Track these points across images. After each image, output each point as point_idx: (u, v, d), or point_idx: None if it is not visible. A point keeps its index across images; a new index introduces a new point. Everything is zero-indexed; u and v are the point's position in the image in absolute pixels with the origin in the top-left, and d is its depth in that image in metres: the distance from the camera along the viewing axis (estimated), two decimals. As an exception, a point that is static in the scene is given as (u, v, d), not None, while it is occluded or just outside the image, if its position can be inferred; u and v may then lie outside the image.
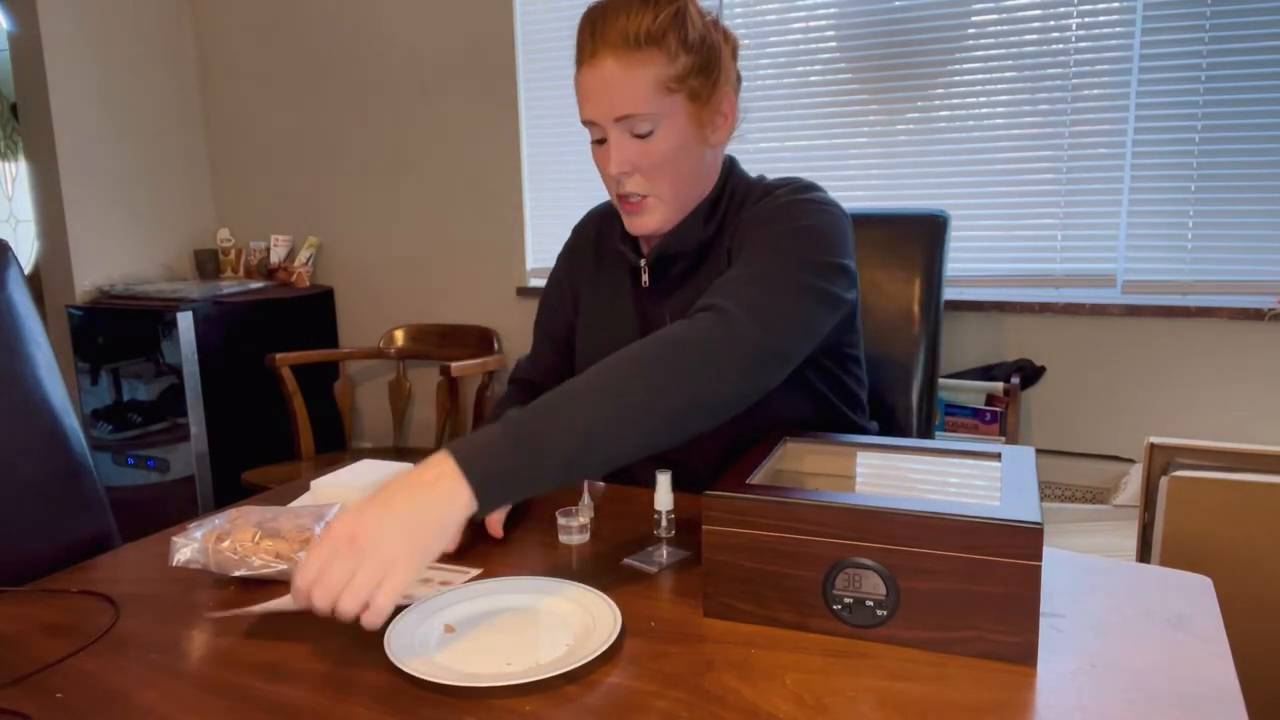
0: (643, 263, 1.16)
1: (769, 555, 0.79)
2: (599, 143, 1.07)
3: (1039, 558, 0.71)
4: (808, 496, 0.78)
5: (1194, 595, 0.85)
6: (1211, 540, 1.30)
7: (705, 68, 1.05)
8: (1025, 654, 0.73)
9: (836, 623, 0.78)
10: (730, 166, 1.16)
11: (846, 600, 0.77)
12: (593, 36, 1.03)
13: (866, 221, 1.40)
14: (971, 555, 0.72)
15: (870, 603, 0.76)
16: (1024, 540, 0.71)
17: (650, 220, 1.09)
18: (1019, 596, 0.72)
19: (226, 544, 0.92)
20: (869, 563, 0.75)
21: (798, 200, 1.06)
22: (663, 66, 1.02)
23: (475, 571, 0.94)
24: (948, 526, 0.73)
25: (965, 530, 0.72)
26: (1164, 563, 1.32)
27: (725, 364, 0.89)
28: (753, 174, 1.18)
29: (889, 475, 0.94)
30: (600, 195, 2.84)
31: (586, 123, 1.06)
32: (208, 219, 3.49)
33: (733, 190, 1.14)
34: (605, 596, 0.83)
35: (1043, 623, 0.80)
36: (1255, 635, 1.27)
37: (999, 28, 2.32)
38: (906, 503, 0.76)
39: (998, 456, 0.91)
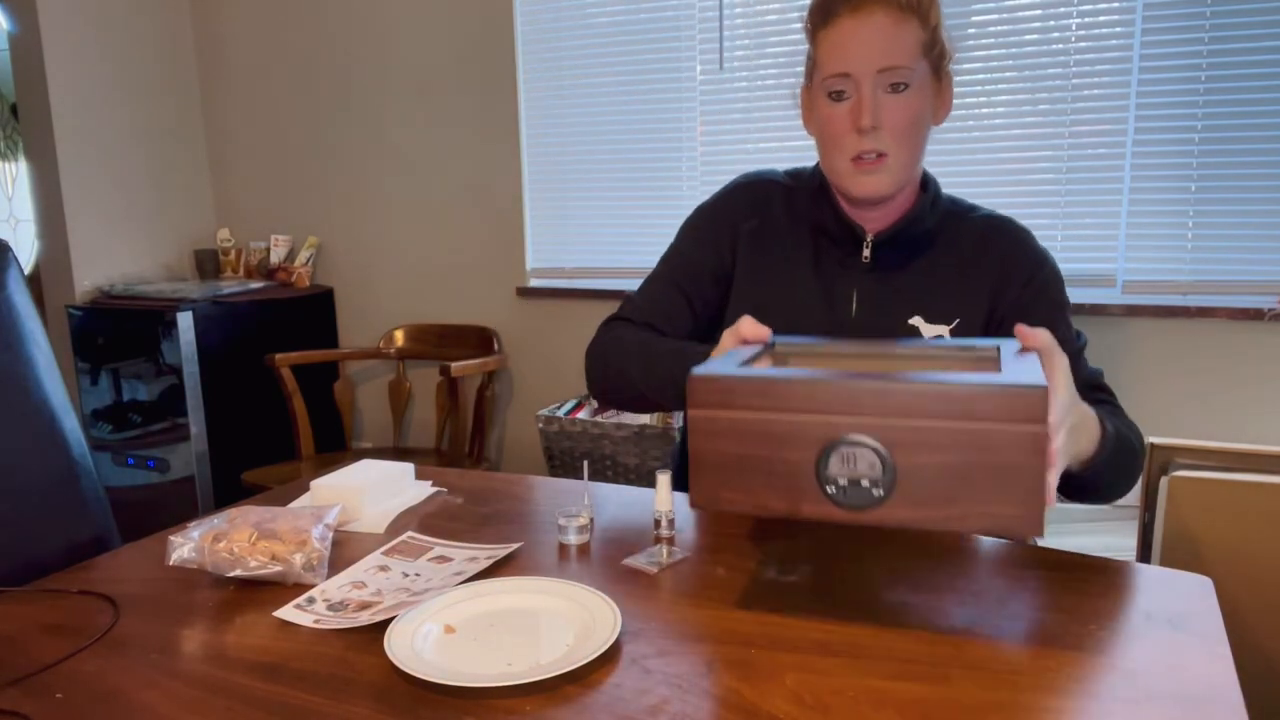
0: (869, 238, 1.18)
1: (758, 439, 0.74)
2: (837, 98, 1.08)
3: (1043, 421, 0.67)
4: (798, 374, 0.74)
5: (1194, 595, 0.85)
6: (1211, 540, 1.30)
7: (942, 50, 1.11)
8: (1030, 527, 0.69)
9: (830, 506, 0.74)
10: (933, 185, 1.22)
11: (840, 482, 0.73)
12: None
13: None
14: (973, 424, 0.69)
15: (866, 483, 0.72)
16: (1027, 405, 0.67)
17: (884, 181, 1.11)
18: (1023, 467, 0.68)
19: (223, 544, 0.92)
20: (864, 440, 0.71)
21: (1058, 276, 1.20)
22: (921, 31, 1.07)
23: (506, 550, 0.94)
24: (948, 396, 0.69)
25: (966, 398, 0.68)
26: (1164, 563, 1.32)
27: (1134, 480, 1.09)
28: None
29: (882, 367, 0.93)
30: (605, 195, 2.85)
31: (835, 76, 1.07)
32: (208, 219, 3.49)
33: (937, 193, 1.22)
34: (605, 596, 0.83)
35: (1043, 623, 0.80)
36: (1255, 635, 1.27)
37: (999, 28, 2.32)
38: (903, 375, 0.72)
39: (996, 350, 0.88)
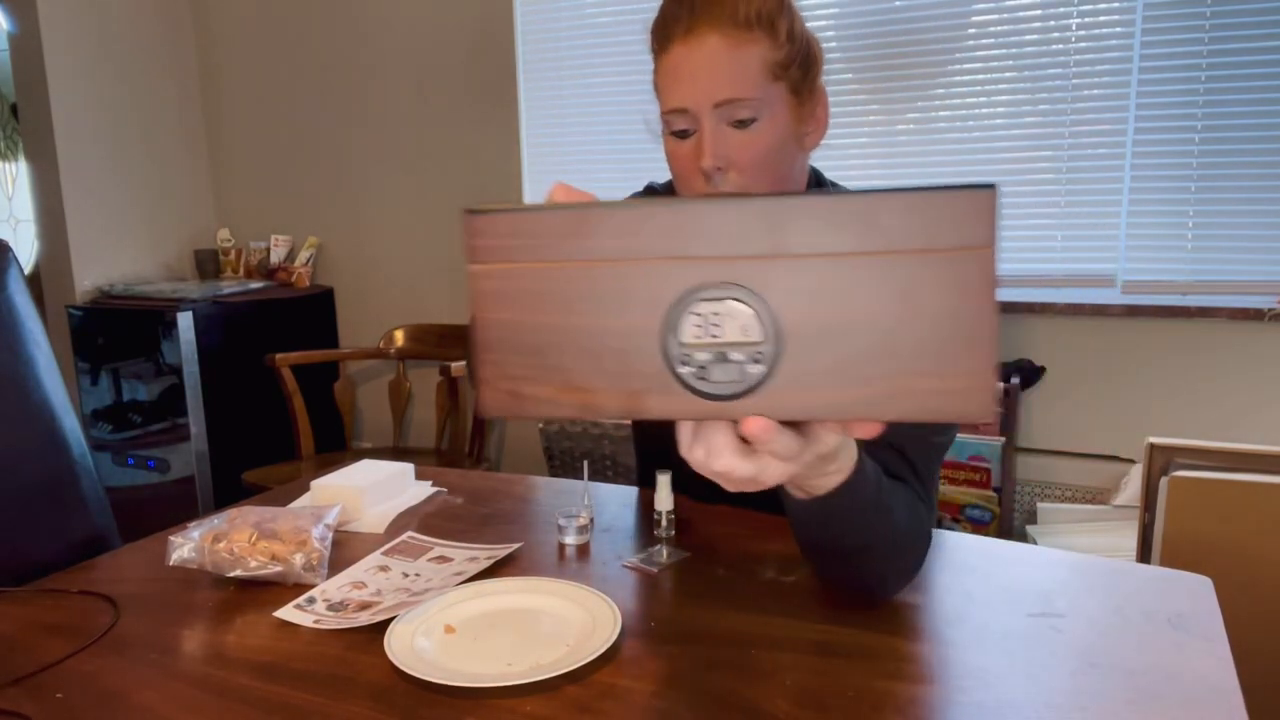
0: None
1: (571, 300, 0.50)
2: (681, 134, 0.95)
3: (990, 241, 0.46)
4: (628, 200, 0.51)
5: (1194, 595, 0.85)
6: (1211, 540, 1.30)
7: (806, 62, 0.95)
8: (975, 402, 0.47)
9: (689, 397, 0.50)
10: (817, 176, 1.08)
11: (700, 358, 0.49)
12: (691, 11, 0.91)
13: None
14: (891, 253, 0.47)
15: (739, 356, 0.49)
16: (968, 213, 0.46)
17: None
18: (960, 312, 0.47)
19: (223, 544, 0.92)
20: (735, 289, 0.48)
21: None
22: (770, 50, 0.91)
23: (506, 550, 0.94)
24: (851, 212, 0.47)
25: (876, 211, 0.47)
26: (1164, 563, 1.32)
27: (906, 575, 0.86)
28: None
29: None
30: (604, 195, 2.84)
31: (673, 111, 0.93)
32: (208, 219, 3.49)
33: None
34: (605, 596, 0.83)
35: (1043, 623, 0.80)
36: (1255, 635, 1.27)
37: (999, 28, 2.32)
38: (785, 194, 0.50)
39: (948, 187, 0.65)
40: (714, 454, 0.55)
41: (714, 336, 0.49)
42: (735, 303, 0.48)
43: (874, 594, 0.85)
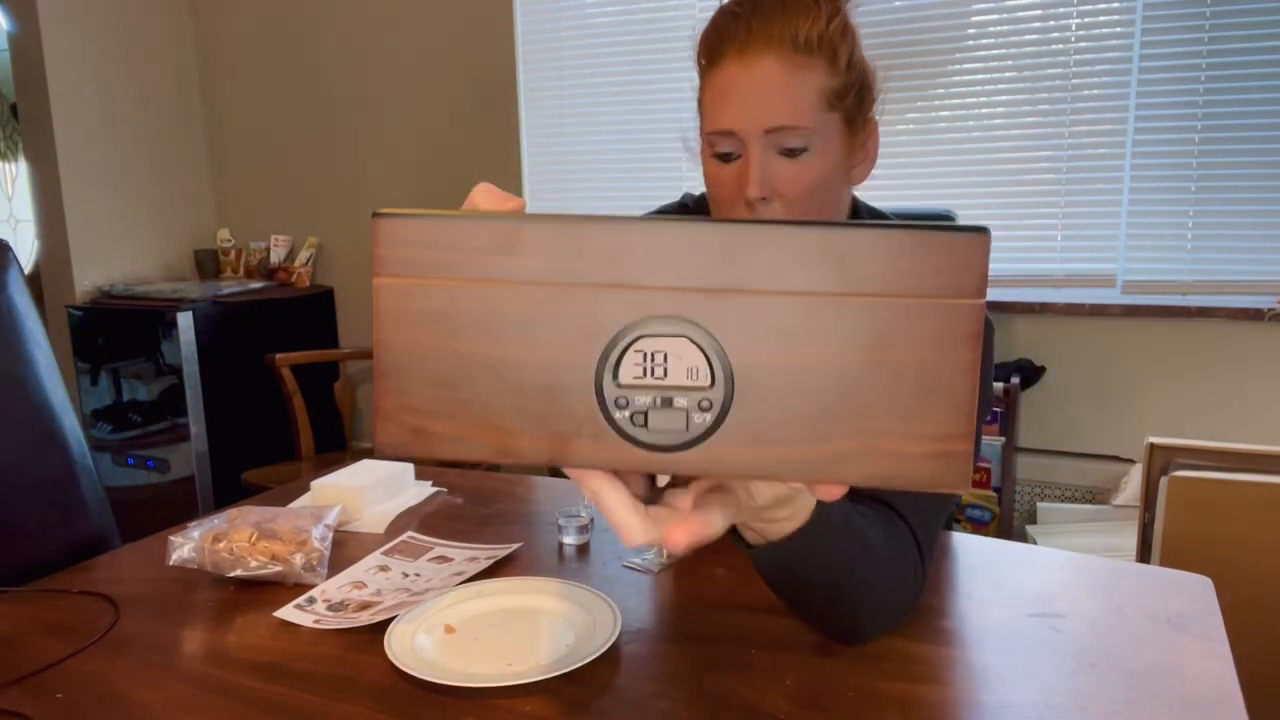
0: None
1: (492, 327, 0.43)
2: (724, 158, 0.89)
3: (979, 291, 0.42)
4: (568, 215, 0.44)
5: (1194, 595, 0.85)
6: (1211, 540, 1.30)
7: (862, 91, 0.91)
8: (947, 474, 0.42)
9: (623, 445, 0.43)
10: (855, 205, 1.02)
11: (640, 402, 0.43)
12: (748, 28, 0.86)
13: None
14: (864, 296, 0.42)
15: (684, 402, 0.43)
16: (957, 260, 0.41)
17: None
18: (942, 366, 0.42)
19: (223, 544, 0.92)
20: (683, 328, 0.42)
21: None
22: (827, 77, 0.87)
23: (506, 550, 0.94)
24: (822, 248, 0.42)
25: (850, 248, 0.41)
26: (1164, 563, 1.32)
27: (889, 614, 0.78)
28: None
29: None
30: (605, 196, 2.84)
31: (719, 133, 0.87)
32: (208, 219, 3.49)
33: None
34: (605, 596, 0.83)
35: (1043, 623, 0.80)
36: (1255, 635, 1.27)
37: (999, 28, 2.32)
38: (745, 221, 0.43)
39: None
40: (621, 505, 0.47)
41: (657, 379, 0.43)
42: (684, 341, 0.43)
43: (851, 638, 0.78)
